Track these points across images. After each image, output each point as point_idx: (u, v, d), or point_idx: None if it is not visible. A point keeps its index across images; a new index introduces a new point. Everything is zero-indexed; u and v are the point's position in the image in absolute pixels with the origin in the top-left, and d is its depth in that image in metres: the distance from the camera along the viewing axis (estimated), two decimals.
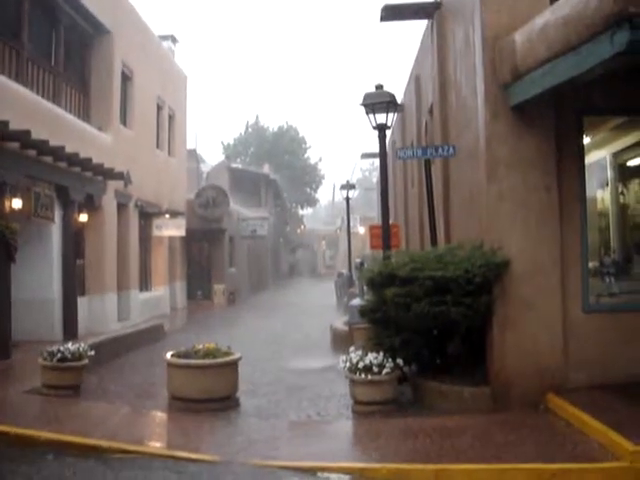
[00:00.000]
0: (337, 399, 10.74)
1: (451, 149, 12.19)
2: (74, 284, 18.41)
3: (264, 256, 52.09)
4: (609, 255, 10.98)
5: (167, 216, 27.21)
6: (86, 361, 11.52)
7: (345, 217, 36.25)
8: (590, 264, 10.22)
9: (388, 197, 14.07)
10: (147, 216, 25.88)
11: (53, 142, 15.96)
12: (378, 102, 13.06)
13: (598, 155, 11.19)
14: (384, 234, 13.27)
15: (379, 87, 13.33)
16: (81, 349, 11.48)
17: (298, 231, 75.96)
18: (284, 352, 16.31)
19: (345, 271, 33.74)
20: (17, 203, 15.12)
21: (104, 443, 8.40)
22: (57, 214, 17.55)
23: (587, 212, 10.11)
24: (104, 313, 20.35)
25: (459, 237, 12.49)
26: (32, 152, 15.57)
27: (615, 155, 11.27)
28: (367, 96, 13.17)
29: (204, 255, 35.63)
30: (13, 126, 14.00)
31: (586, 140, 10.29)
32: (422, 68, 19.31)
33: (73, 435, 8.72)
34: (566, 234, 9.84)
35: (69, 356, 11.23)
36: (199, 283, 34.56)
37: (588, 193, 10.27)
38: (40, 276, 17.23)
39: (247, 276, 43.52)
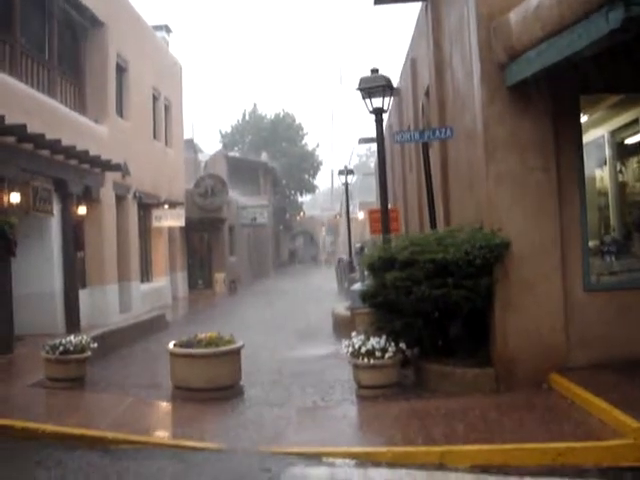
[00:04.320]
0: (341, 384, 10.75)
1: (448, 131, 12.15)
2: (75, 277, 18.42)
3: (264, 244, 52.11)
4: (609, 234, 10.98)
5: (166, 206, 27.20)
6: (89, 353, 11.53)
7: (344, 203, 36.22)
8: (590, 243, 10.22)
9: (387, 181, 14.05)
10: (146, 207, 25.88)
11: (49, 135, 15.91)
12: (374, 86, 13.02)
13: (596, 134, 11.17)
14: (383, 218, 13.26)
15: (375, 71, 13.30)
16: (83, 341, 11.50)
17: (298, 218, 75.96)
18: (287, 339, 16.32)
19: (345, 257, 33.72)
20: (15, 197, 15.09)
21: (109, 434, 8.43)
22: (56, 207, 17.53)
23: (586, 191, 10.09)
24: (106, 305, 20.38)
25: (458, 220, 12.48)
26: (29, 146, 15.54)
27: (613, 133, 11.25)
28: (363, 80, 13.13)
29: (204, 244, 35.64)
30: (9, 120, 13.96)
31: (583, 119, 10.27)
32: (418, 50, 19.24)
33: (78, 427, 8.75)
34: (565, 214, 9.83)
35: (72, 349, 11.24)
36: (200, 272, 34.61)
37: (587, 172, 10.25)
38: (41, 270, 17.23)
39: (248, 264, 43.56)
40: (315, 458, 7.40)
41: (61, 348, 11.19)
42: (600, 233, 10.92)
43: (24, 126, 14.61)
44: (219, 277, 33.91)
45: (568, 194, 9.85)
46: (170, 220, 27.43)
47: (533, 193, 9.69)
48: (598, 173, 11.26)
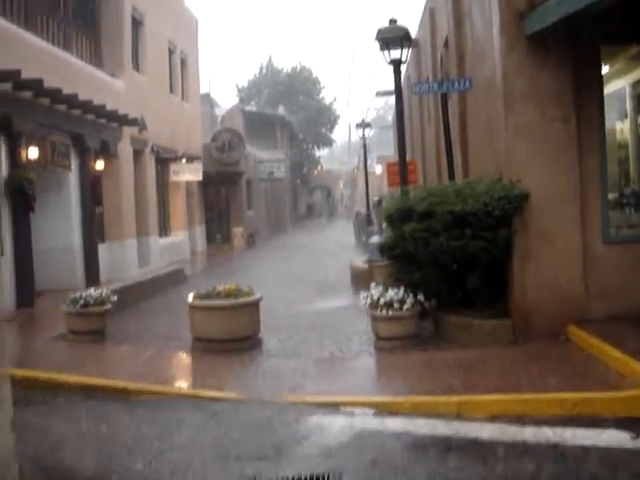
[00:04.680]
0: (359, 336, 10.80)
1: (467, 82, 12.01)
2: (93, 232, 18.52)
3: (282, 198, 52.10)
4: (629, 186, 10.87)
5: (183, 161, 27.16)
6: (109, 306, 11.65)
7: (362, 156, 36.06)
8: (610, 196, 10.13)
9: (405, 133, 13.94)
10: (163, 161, 25.87)
11: (66, 90, 15.89)
12: (392, 37, 12.84)
13: (616, 85, 10.99)
14: (401, 170, 13.18)
15: (393, 22, 13.10)
16: (103, 294, 11.60)
17: (315, 172, 75.68)
18: (305, 292, 16.39)
19: (363, 210, 33.66)
20: (33, 152, 15.14)
21: (130, 385, 8.55)
22: (74, 163, 17.58)
23: (606, 143, 9.97)
24: (124, 260, 20.50)
25: (477, 171, 12.41)
26: (45, 101, 15.53)
27: (634, 85, 11.06)
28: (381, 31, 12.95)
29: (222, 199, 35.66)
30: (25, 75, 13.92)
31: (604, 70, 10.11)
32: (436, 0, 18.96)
33: (100, 378, 8.89)
34: (585, 165, 9.73)
35: (92, 302, 11.35)
36: (218, 227, 34.69)
37: (607, 125, 10.11)
38: (60, 225, 17.33)
39: (266, 218, 43.62)
40: (333, 408, 7.47)
41: (82, 301, 11.30)
42: (620, 185, 10.81)
43: (40, 81, 14.58)
44: (237, 231, 33.96)
45: (588, 146, 9.74)
46: (187, 174, 27.42)
47: (552, 144, 9.59)
48: (618, 126, 11.10)
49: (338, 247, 29.70)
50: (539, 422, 6.77)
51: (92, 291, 11.64)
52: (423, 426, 6.84)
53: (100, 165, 19.43)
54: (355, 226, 35.95)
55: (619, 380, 7.57)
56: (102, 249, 19.17)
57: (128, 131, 21.13)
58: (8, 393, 2.55)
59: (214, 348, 10.17)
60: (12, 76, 13.60)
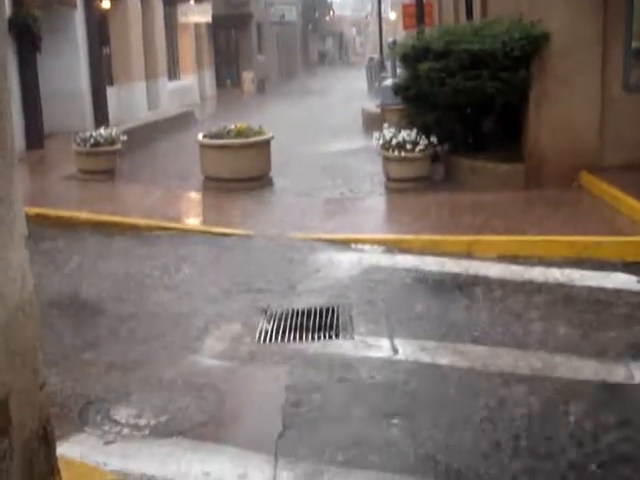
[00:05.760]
0: (370, 177, 10.77)
1: None
2: (102, 73, 18.14)
3: (293, 43, 50.85)
4: None
5: (192, 1, 26.32)
6: (119, 146, 11.60)
7: (375, 1, 34.88)
8: (633, 45, 9.76)
9: None
10: (171, 2, 25.07)
11: None
12: None
13: None
14: (418, 10, 12.73)
15: None
16: (113, 134, 11.53)
17: (327, 18, 73.49)
18: (316, 135, 16.22)
19: (376, 56, 32.87)
20: None
21: (142, 221, 8.63)
22: (79, 1, 16.99)
23: None
24: (133, 102, 20.22)
25: (496, 11, 11.93)
26: None
27: None
28: None
29: (232, 43, 34.88)
30: None
31: None
32: None
33: (111, 215, 8.94)
34: (611, 9, 9.32)
35: (102, 141, 11.30)
36: (228, 71, 34.09)
37: None
38: (67, 66, 16.94)
39: (276, 64, 42.76)
40: (343, 245, 7.53)
41: (92, 141, 11.24)
42: None
43: None
44: (247, 76, 33.34)
45: None
46: (196, 15, 26.68)
47: None
48: None
49: (350, 93, 29.20)
50: (547, 264, 6.81)
51: (102, 130, 11.56)
52: (433, 264, 6.90)
53: (106, 4, 18.81)
54: (368, 72, 35.19)
55: (629, 226, 7.58)
56: (111, 92, 18.86)
57: None
58: (19, 198, 2.51)
59: (225, 187, 10.16)
60: None
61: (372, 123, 15.88)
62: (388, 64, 24.52)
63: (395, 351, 5.02)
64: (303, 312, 5.74)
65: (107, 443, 3.97)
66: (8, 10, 13.76)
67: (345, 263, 6.99)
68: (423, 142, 9.65)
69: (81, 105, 17.20)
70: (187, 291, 6.41)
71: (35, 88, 14.51)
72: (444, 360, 4.86)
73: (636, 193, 8.07)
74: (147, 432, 4.07)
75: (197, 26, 28.12)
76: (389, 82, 16.02)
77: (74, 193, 10.90)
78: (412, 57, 10.23)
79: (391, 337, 5.23)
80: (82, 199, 10.52)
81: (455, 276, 6.60)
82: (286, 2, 40.11)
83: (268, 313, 5.76)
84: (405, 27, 20.29)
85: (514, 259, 6.98)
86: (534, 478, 3.57)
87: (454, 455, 3.73)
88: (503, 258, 7.03)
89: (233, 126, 10.65)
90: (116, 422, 4.18)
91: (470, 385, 4.54)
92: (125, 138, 11.78)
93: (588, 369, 4.69)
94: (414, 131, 9.78)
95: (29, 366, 2.63)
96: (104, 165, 11.42)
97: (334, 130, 16.93)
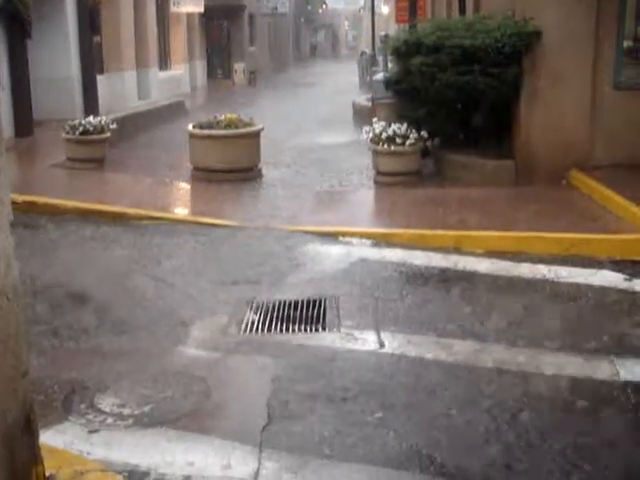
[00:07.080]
0: (360, 171, 10.77)
1: None
2: (92, 62, 17.95)
3: (285, 36, 50.75)
4: None
5: None
6: (108, 134, 11.53)
7: None
8: (625, 43, 9.78)
9: None
10: None
11: None
12: None
13: None
14: (411, 4, 12.71)
15: None
16: (103, 122, 11.46)
17: (320, 11, 73.31)
18: (306, 128, 16.19)
19: (368, 50, 32.82)
20: None
21: (130, 210, 8.58)
22: None
23: None
24: (124, 91, 20.09)
25: (489, 7, 11.93)
26: None
27: None
28: None
29: (224, 34, 34.71)
30: None
31: None
32: None
33: (99, 203, 8.89)
34: (603, 9, 9.33)
35: (91, 129, 11.22)
36: (219, 62, 33.95)
37: None
38: (57, 54, 16.80)
39: (268, 56, 42.64)
40: (332, 237, 7.53)
41: (81, 128, 11.17)
42: (636, 34, 10.42)
43: None
44: (238, 67, 33.19)
45: None
46: (188, 5, 26.50)
47: None
48: None
49: (341, 87, 29.17)
50: (535, 260, 6.83)
51: (91, 119, 11.48)
52: (421, 257, 6.91)
53: None
54: (359, 66, 35.13)
55: (618, 224, 7.61)
56: (101, 80, 18.67)
57: None
58: (6, 184, 2.48)
59: (214, 178, 10.13)
60: None
61: (363, 117, 15.86)
62: (380, 58, 24.48)
63: (381, 344, 5.02)
64: (290, 304, 5.74)
65: (91, 432, 3.94)
66: None
67: (333, 256, 6.99)
68: (413, 136, 9.64)
69: (71, 93, 17.05)
70: (174, 281, 6.39)
71: (25, 76, 14.39)
72: (430, 354, 4.86)
73: (625, 192, 8.10)
74: (131, 422, 4.05)
75: (189, 16, 27.97)
76: (380, 76, 16.00)
77: (62, 181, 10.83)
78: (404, 51, 10.22)
79: (377, 330, 5.23)
80: (70, 187, 10.47)
81: (443, 271, 6.62)
82: None
83: (255, 304, 5.75)
84: (398, 21, 20.28)
85: (502, 255, 6.99)
86: (519, 470, 3.58)
87: (439, 449, 3.73)
88: (491, 254, 7.05)
89: (223, 117, 10.62)
90: (100, 411, 4.15)
91: (456, 380, 4.54)
92: (115, 126, 11.71)
93: (573, 366, 4.69)
94: (404, 125, 9.78)
95: (11, 352, 2.60)
96: (93, 153, 11.34)
97: (324, 123, 16.92)
